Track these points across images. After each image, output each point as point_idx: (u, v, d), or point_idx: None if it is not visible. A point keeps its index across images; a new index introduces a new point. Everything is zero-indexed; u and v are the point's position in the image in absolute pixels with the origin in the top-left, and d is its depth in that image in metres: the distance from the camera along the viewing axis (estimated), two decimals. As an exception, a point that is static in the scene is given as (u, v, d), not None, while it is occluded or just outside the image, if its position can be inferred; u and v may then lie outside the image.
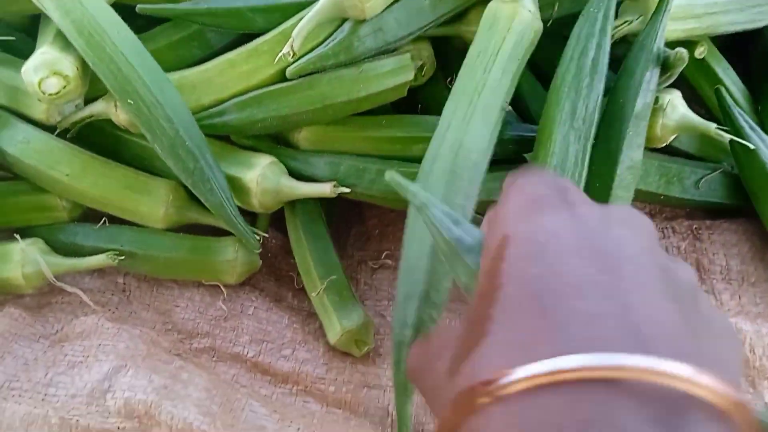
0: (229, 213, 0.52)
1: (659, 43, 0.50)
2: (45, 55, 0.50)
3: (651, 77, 0.50)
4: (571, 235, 0.26)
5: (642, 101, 0.49)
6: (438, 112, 0.52)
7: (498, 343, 0.24)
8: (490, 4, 0.49)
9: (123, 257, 0.54)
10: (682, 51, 0.49)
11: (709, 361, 0.22)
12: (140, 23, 0.55)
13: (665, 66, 0.51)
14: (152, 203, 0.54)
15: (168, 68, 0.57)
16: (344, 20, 0.52)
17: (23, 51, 0.56)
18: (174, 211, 0.55)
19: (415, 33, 0.54)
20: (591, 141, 0.48)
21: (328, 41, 0.52)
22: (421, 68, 0.58)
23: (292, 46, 0.47)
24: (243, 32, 0.57)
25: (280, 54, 0.48)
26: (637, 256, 0.25)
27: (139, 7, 0.53)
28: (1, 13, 0.59)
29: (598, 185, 0.49)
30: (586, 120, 0.48)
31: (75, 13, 0.49)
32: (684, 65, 0.50)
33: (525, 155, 0.55)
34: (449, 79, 0.60)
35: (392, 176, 0.35)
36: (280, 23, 0.56)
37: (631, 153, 0.49)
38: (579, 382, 0.21)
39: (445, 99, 0.49)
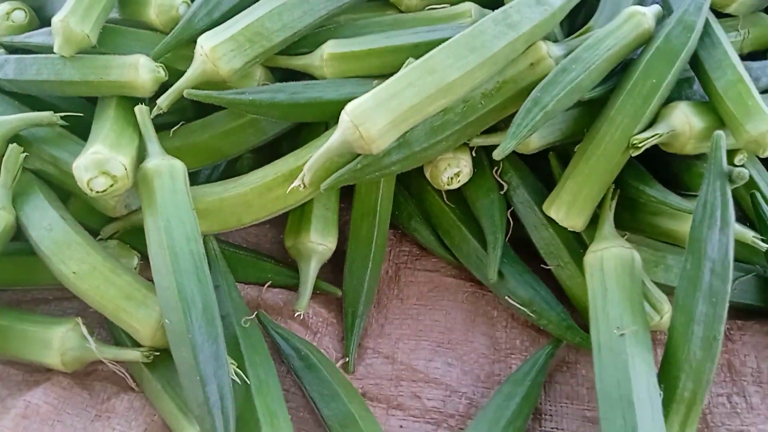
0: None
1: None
2: (96, 156, 0.52)
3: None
4: None
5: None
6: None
7: None
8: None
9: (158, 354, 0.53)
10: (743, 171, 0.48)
11: None
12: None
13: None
14: (145, 319, 0.52)
15: (225, 154, 0.62)
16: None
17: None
18: (162, 333, 0.52)
19: (442, 141, 0.56)
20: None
21: (358, 159, 0.53)
22: (457, 174, 0.61)
23: (303, 180, 0.50)
24: (290, 122, 0.60)
25: (291, 186, 0.51)
26: None
27: (186, 91, 0.55)
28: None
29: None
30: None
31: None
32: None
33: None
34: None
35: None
36: (317, 118, 0.59)
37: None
38: None
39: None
